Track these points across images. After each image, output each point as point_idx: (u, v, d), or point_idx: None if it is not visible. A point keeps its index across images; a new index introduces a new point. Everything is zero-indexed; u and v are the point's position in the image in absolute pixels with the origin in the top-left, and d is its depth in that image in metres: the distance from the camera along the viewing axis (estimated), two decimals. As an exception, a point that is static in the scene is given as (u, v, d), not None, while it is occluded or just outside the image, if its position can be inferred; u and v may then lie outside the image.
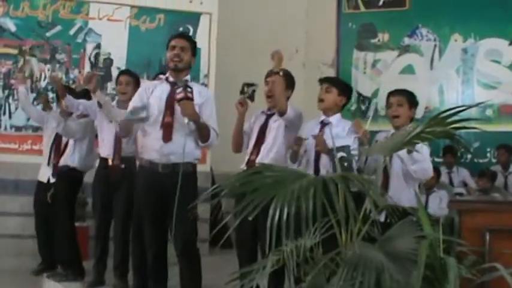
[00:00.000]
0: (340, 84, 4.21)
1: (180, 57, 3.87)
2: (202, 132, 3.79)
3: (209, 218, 6.28)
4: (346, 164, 3.62)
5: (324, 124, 4.05)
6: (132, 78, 4.98)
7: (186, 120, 3.66)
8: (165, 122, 3.80)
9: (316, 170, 3.89)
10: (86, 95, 5.05)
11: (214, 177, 7.00)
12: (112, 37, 7.14)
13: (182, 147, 3.65)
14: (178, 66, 3.88)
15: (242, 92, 4.04)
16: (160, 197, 3.79)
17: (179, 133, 3.76)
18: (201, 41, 6.86)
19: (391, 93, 4.04)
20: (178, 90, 3.66)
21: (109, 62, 7.14)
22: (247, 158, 4.14)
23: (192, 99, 3.65)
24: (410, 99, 3.99)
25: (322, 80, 4.16)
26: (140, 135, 4.06)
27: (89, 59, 7.04)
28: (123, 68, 6.83)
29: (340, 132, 3.98)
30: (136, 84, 4.88)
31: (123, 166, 4.79)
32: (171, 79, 3.93)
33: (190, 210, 3.36)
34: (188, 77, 3.96)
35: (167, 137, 3.78)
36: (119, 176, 4.77)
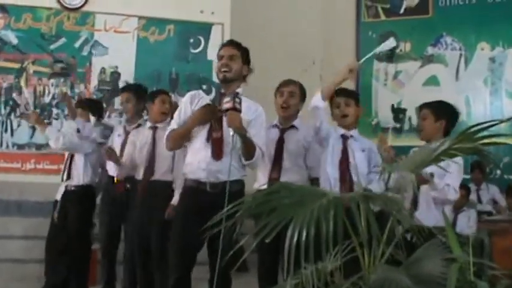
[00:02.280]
0: (355, 95, 4.24)
1: (228, 66, 3.81)
2: (247, 149, 3.69)
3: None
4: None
5: (345, 138, 4.06)
6: (131, 94, 5.04)
7: (231, 132, 3.58)
8: (214, 137, 3.75)
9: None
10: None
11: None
12: (119, 49, 7.22)
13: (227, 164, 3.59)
14: (227, 76, 3.80)
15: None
16: (203, 219, 3.74)
17: (226, 149, 3.69)
18: (212, 52, 6.92)
19: (419, 107, 4.10)
20: (226, 99, 3.58)
21: (116, 75, 7.21)
22: (266, 175, 4.15)
23: (240, 110, 3.56)
24: (437, 111, 4.00)
25: (336, 94, 4.16)
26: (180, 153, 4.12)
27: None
28: (131, 81, 6.89)
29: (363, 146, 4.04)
30: (138, 99, 4.98)
31: (128, 186, 4.83)
32: (222, 91, 3.89)
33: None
34: (240, 90, 3.88)
35: (218, 154, 3.72)
36: (123, 195, 4.82)
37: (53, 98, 7.01)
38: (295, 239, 2.17)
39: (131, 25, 7.26)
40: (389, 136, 7.60)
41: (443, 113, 4.03)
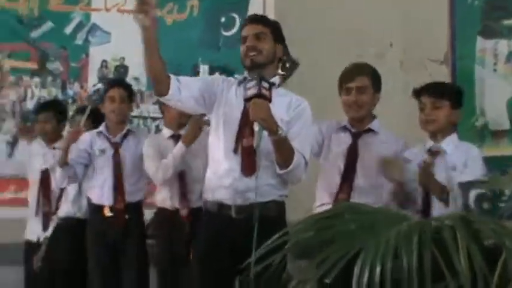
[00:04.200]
0: (452, 93, 4.23)
1: (256, 48, 3.91)
2: (280, 152, 3.74)
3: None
4: (486, 205, 3.59)
5: (433, 153, 4.07)
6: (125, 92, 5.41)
7: (256, 127, 3.64)
8: (244, 146, 3.80)
9: (425, 212, 3.89)
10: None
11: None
12: (125, 35, 7.25)
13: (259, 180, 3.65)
14: (256, 61, 3.91)
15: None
16: (229, 255, 3.81)
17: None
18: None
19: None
20: (250, 84, 3.67)
21: (123, 70, 7.28)
22: (331, 195, 4.16)
23: (268, 98, 3.63)
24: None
25: (420, 92, 4.17)
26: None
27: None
28: (142, 78, 6.99)
29: (458, 161, 4.00)
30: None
31: (127, 217, 5.07)
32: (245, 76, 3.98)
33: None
34: (277, 79, 3.98)
35: (249, 167, 3.76)
36: (121, 231, 4.97)
37: (38, 103, 7.07)
38: (365, 277, 2.17)
39: (140, 2, 7.33)
40: (504, 142, 7.46)
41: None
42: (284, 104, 3.78)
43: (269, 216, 3.69)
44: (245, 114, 3.80)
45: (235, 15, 7.41)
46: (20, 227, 6.04)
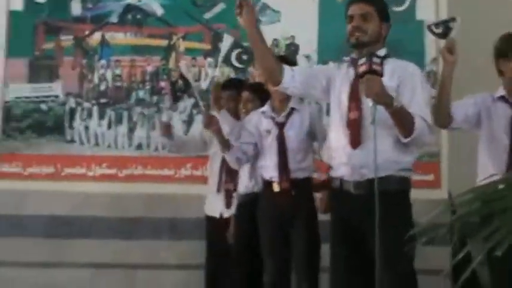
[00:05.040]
0: None
1: (361, 28, 3.96)
2: (399, 122, 3.77)
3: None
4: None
5: None
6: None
7: (369, 103, 3.67)
8: (350, 119, 3.89)
9: None
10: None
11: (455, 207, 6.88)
12: (296, 13, 7.31)
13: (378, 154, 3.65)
14: (361, 40, 3.96)
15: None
16: (355, 233, 3.90)
17: (377, 134, 3.73)
18: (423, 11, 6.96)
19: None
20: (361, 61, 3.72)
21: (293, 48, 7.33)
22: (497, 168, 4.09)
23: (379, 73, 3.66)
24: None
25: None
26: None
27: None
28: (313, 55, 7.02)
29: None
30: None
31: (293, 193, 5.09)
32: (353, 56, 4.07)
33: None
34: (383, 51, 4.03)
35: (354, 140, 3.86)
36: (289, 207, 5.06)
37: (212, 82, 7.24)
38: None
39: (311, -21, 7.35)
40: None
41: None
42: (389, 70, 3.80)
43: (388, 192, 3.69)
44: (353, 89, 3.94)
45: None
46: (197, 203, 6.22)
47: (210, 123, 5.28)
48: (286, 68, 4.04)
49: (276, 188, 5.03)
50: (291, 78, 4.00)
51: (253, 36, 4.03)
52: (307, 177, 5.18)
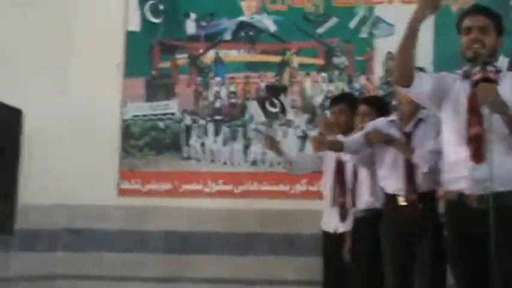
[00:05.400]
0: None
1: (481, 42, 3.88)
2: None
3: None
4: None
5: None
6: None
7: (485, 111, 3.63)
8: (472, 134, 3.80)
9: None
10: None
11: None
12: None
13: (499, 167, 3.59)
14: (478, 52, 3.84)
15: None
16: (478, 247, 3.78)
17: (495, 147, 3.68)
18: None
19: None
20: (475, 70, 3.67)
21: (408, 61, 7.24)
22: None
23: (494, 81, 3.62)
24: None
25: None
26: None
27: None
28: (429, 67, 6.91)
29: None
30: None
31: (421, 206, 4.97)
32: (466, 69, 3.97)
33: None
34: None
35: (478, 155, 3.76)
36: (416, 220, 4.94)
37: (326, 98, 7.23)
38: None
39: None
40: None
41: None
42: (508, 84, 3.74)
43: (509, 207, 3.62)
44: (471, 102, 3.83)
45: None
46: (313, 218, 6.21)
47: (319, 148, 5.28)
48: (417, 73, 4.00)
49: (401, 201, 4.97)
50: (419, 83, 3.95)
51: (414, 31, 3.87)
52: (433, 189, 5.09)
